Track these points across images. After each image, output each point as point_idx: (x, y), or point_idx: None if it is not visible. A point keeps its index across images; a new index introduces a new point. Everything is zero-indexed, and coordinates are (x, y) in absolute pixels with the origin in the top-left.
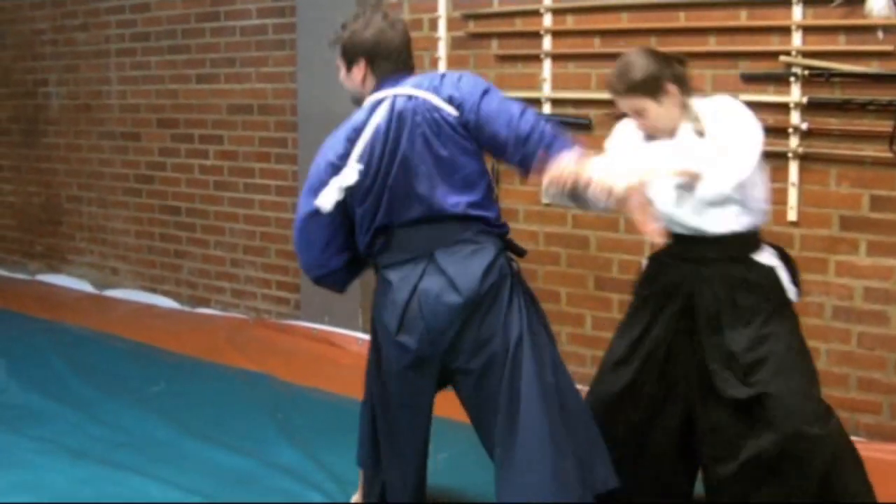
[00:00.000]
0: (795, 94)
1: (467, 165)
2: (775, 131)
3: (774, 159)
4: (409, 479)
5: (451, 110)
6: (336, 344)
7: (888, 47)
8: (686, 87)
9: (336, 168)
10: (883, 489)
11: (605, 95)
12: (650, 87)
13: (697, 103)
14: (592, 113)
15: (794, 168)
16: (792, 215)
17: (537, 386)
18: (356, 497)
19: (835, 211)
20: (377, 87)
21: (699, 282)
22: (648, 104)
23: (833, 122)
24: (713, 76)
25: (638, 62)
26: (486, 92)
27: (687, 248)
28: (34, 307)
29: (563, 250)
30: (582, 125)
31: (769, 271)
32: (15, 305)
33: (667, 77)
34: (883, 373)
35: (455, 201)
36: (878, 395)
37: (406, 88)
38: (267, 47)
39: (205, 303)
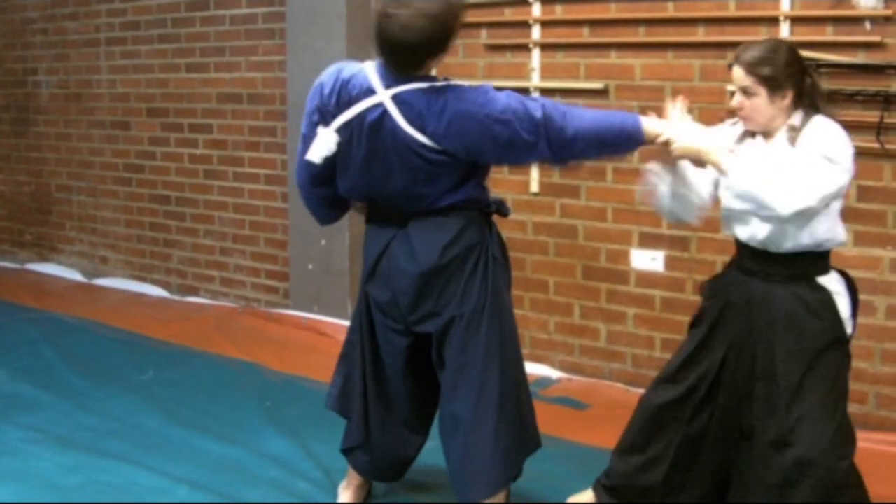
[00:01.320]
0: None
1: (440, 171)
2: None
3: None
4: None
5: (431, 144)
6: (325, 333)
7: (875, 38)
8: (803, 102)
9: (322, 116)
10: (870, 479)
11: (595, 85)
12: (772, 79)
13: (813, 118)
14: (581, 103)
15: None
16: None
17: (487, 354)
18: (343, 484)
19: None
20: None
21: (758, 299)
22: (761, 93)
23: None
24: (701, 66)
25: (778, 55)
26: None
27: (752, 262)
28: (24, 296)
29: (552, 240)
30: None
31: (829, 297)
32: (4, 294)
33: (791, 85)
34: (869, 363)
35: (427, 192)
36: (865, 385)
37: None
38: (256, 36)
39: (194, 291)
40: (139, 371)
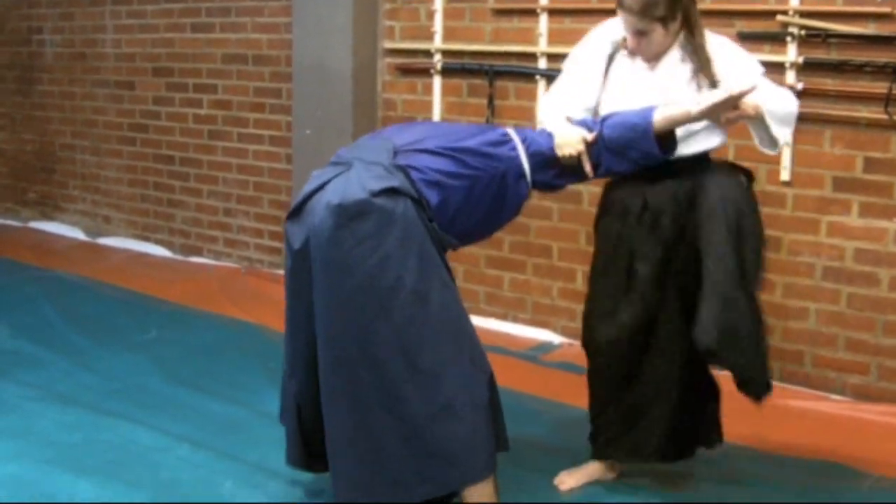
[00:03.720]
0: (792, 53)
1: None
2: None
3: None
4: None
5: None
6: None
7: (886, 9)
8: (688, 20)
9: None
10: (869, 449)
11: None
12: (666, 16)
13: (710, 39)
14: None
15: None
16: (785, 175)
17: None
18: None
19: (828, 172)
20: None
21: (665, 198)
22: (657, 29)
23: (829, 83)
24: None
25: None
26: None
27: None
28: (26, 254)
29: (556, 205)
30: None
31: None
32: (7, 252)
33: (679, 10)
34: (871, 334)
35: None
36: (866, 357)
37: None
38: None
39: (197, 252)
40: (141, 330)
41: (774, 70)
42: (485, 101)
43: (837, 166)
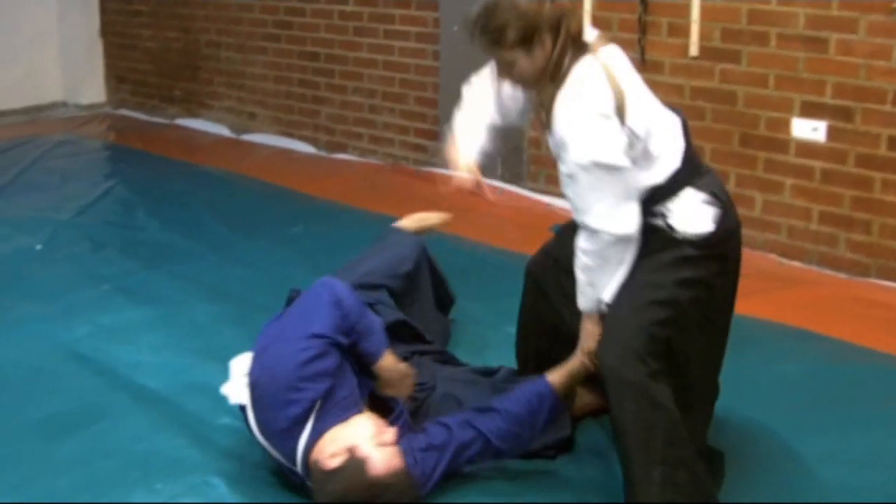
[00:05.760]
0: None
1: None
2: None
3: None
4: None
5: None
6: (474, 192)
7: None
8: (563, 39)
9: None
10: None
11: None
12: (523, 38)
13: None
14: None
15: None
16: None
17: None
18: None
19: None
20: None
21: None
22: (520, 57)
23: None
24: None
25: (511, 6)
26: None
27: None
28: (173, 150)
29: (709, 105)
30: None
31: None
32: (154, 148)
33: (544, 27)
34: None
35: None
36: None
37: None
38: None
39: (342, 148)
40: (288, 224)
41: None
42: None
43: None
